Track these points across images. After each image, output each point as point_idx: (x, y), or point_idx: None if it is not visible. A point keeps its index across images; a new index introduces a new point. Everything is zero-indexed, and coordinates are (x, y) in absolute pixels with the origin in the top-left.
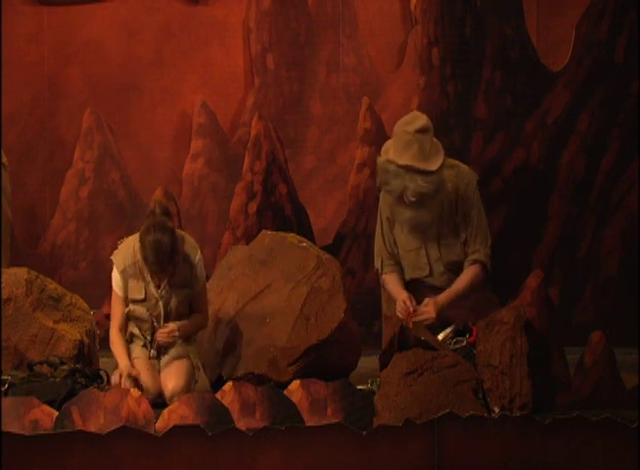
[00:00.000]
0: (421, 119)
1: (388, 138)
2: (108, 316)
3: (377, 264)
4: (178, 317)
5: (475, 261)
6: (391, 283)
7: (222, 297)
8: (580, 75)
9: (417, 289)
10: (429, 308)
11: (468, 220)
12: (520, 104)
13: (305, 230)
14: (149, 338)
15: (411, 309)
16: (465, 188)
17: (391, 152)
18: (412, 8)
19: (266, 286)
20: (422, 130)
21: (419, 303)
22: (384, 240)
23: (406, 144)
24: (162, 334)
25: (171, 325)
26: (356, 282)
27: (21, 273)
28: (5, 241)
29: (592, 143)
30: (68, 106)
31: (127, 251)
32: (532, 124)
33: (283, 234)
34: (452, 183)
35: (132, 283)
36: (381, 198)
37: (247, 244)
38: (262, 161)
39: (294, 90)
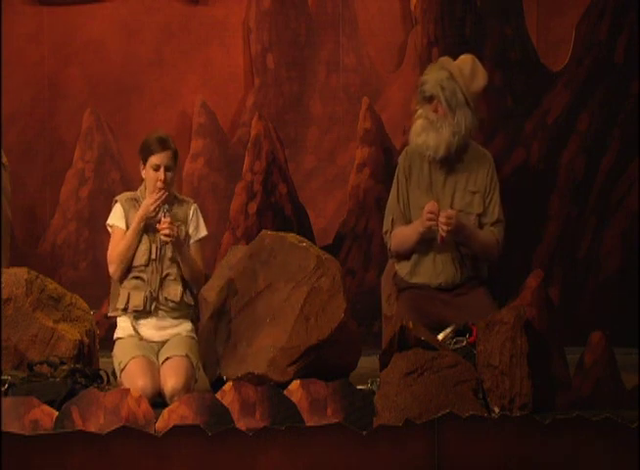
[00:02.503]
0: None
1: (389, 138)
2: (108, 316)
3: (386, 225)
4: (174, 254)
5: (492, 233)
6: (404, 227)
7: (222, 297)
8: (580, 75)
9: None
10: (451, 215)
11: (488, 200)
12: (520, 104)
13: (305, 230)
14: (149, 279)
15: (437, 210)
16: (490, 167)
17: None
18: (412, 8)
19: (266, 286)
20: (475, 61)
21: (424, 305)
22: (398, 198)
23: (462, 60)
24: (164, 222)
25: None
26: (356, 282)
27: (21, 273)
28: (5, 241)
29: (592, 143)
30: (68, 106)
31: (129, 192)
32: (532, 124)
33: (283, 234)
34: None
35: (132, 214)
36: (402, 153)
37: (247, 244)
38: (262, 161)
39: (294, 90)
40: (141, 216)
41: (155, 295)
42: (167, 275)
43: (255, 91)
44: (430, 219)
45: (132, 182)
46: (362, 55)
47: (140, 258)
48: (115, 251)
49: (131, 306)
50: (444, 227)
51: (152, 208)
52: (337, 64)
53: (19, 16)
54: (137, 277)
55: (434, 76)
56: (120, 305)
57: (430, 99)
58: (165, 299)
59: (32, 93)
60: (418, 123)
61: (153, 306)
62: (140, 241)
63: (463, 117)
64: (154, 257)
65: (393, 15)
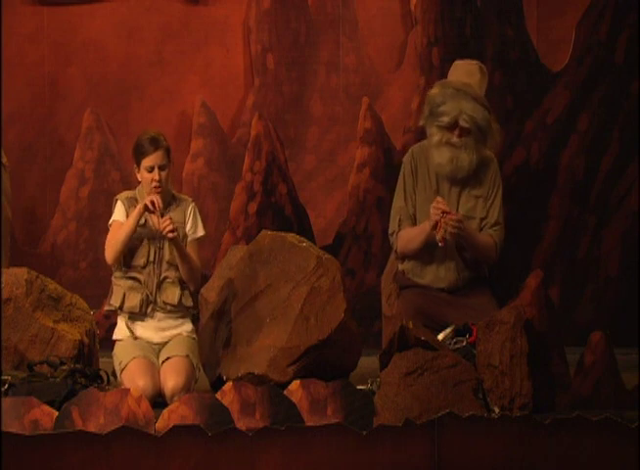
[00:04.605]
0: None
1: (389, 138)
2: (108, 316)
3: (393, 226)
4: (172, 257)
5: (490, 236)
6: (411, 228)
7: (222, 297)
8: (580, 75)
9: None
10: (461, 219)
11: (489, 203)
12: (520, 104)
13: (305, 230)
14: (147, 281)
15: (446, 208)
16: (494, 170)
17: (452, 77)
18: (412, 8)
19: (266, 286)
20: (483, 69)
21: (424, 305)
22: (405, 198)
23: (469, 72)
24: (165, 220)
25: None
26: (356, 282)
27: (21, 273)
28: (5, 241)
29: (592, 143)
30: (67, 106)
31: (129, 191)
32: (532, 124)
33: (283, 234)
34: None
35: (132, 212)
36: (407, 154)
37: (247, 244)
38: (262, 161)
39: (294, 90)
40: (141, 207)
41: (151, 298)
42: (165, 278)
43: (255, 91)
44: (437, 213)
45: (132, 182)
46: (362, 55)
47: (138, 259)
48: (114, 237)
49: (126, 307)
50: (451, 230)
51: (149, 200)
52: (337, 64)
53: (19, 16)
54: (134, 278)
55: (456, 106)
56: (115, 302)
57: (453, 126)
58: (164, 302)
59: (32, 93)
60: (444, 151)
61: (149, 309)
62: (139, 239)
63: (492, 136)
64: (152, 259)
65: (393, 15)
